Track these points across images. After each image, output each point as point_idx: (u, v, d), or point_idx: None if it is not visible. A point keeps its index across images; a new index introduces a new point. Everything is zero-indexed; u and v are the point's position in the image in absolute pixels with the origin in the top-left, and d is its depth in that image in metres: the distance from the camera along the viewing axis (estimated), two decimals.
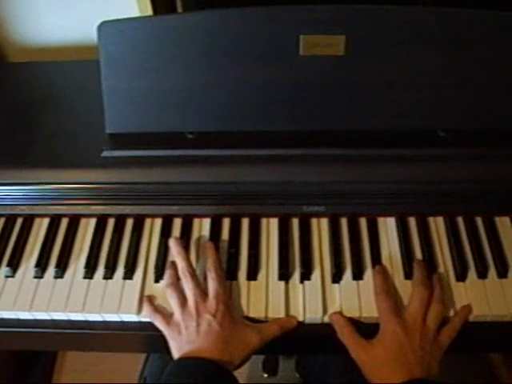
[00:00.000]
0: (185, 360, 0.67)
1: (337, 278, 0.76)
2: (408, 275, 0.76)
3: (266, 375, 1.10)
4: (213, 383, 0.65)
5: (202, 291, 0.72)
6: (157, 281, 0.78)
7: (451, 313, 0.73)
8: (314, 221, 0.83)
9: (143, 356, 1.09)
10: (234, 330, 0.69)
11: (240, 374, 1.24)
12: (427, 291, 0.72)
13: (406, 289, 0.75)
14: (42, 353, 1.46)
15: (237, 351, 0.68)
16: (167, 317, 0.72)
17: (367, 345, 0.69)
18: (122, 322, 0.76)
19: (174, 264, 0.76)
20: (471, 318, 0.73)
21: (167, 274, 0.75)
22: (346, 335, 0.71)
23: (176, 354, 0.69)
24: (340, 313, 0.73)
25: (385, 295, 0.72)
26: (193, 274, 0.73)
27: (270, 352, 1.05)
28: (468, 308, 0.73)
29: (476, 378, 1.37)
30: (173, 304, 0.72)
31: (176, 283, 0.73)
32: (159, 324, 0.72)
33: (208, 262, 0.75)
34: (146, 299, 0.75)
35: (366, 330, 0.71)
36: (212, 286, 0.72)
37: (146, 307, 0.74)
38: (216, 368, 0.66)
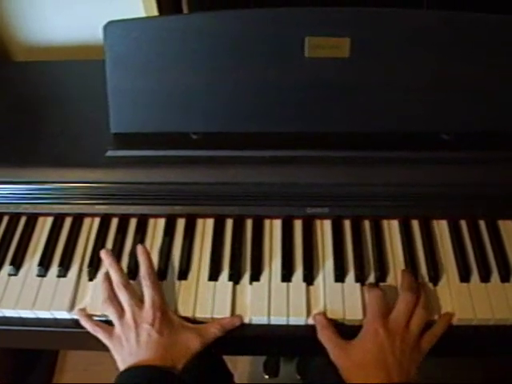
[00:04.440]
0: (129, 371, 0.68)
1: (339, 280, 0.76)
2: None
3: (267, 376, 1.10)
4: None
5: (138, 301, 0.72)
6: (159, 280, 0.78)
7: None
8: (317, 222, 0.83)
9: None
10: (174, 336, 0.69)
11: (241, 374, 1.25)
12: (414, 296, 0.71)
13: None
14: (43, 352, 1.46)
15: (178, 356, 0.68)
16: (109, 330, 0.71)
17: (346, 346, 0.69)
18: None
19: (108, 276, 0.75)
20: (474, 322, 0.73)
21: (102, 287, 0.74)
22: (325, 336, 0.71)
23: (121, 366, 0.69)
24: (324, 313, 0.73)
25: (378, 297, 0.72)
26: (126, 284, 0.73)
27: (271, 354, 1.06)
28: (450, 314, 0.73)
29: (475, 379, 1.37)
30: (111, 317, 0.72)
31: (112, 296, 0.73)
32: (102, 338, 0.71)
33: (141, 268, 0.75)
34: (82, 315, 0.73)
35: None
36: (147, 293, 0.72)
37: (85, 323, 0.73)
38: (159, 371, 0.66)
